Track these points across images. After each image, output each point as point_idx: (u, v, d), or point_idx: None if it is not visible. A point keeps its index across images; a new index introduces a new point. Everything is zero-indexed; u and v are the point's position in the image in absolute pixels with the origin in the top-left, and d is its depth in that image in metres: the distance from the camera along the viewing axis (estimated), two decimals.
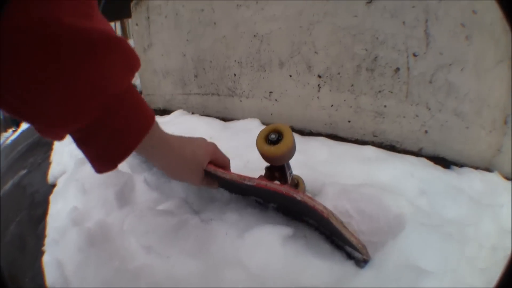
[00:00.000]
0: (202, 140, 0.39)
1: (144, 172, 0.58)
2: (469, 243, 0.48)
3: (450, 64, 0.68)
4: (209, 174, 0.39)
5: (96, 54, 0.15)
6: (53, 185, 0.79)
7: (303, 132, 0.69)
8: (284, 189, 0.32)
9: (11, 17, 0.13)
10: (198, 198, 0.53)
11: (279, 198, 0.39)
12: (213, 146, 0.39)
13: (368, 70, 0.64)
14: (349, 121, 0.66)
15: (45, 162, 1.03)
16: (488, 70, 0.72)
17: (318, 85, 0.66)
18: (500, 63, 0.74)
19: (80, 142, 0.21)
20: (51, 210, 0.61)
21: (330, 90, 0.65)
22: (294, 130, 0.70)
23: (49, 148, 1.16)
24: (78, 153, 0.79)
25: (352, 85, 0.64)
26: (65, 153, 0.84)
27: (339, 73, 0.65)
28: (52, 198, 0.64)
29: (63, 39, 0.14)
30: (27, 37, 0.13)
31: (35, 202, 0.82)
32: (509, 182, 0.70)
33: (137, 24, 0.95)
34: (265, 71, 0.69)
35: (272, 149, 0.37)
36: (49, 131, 0.19)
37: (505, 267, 0.22)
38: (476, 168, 0.69)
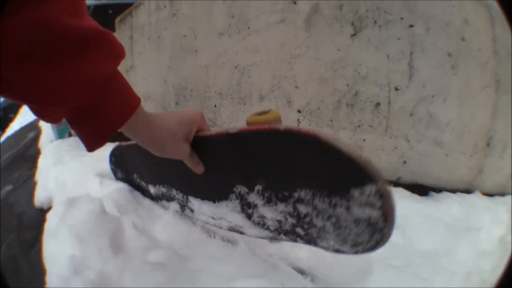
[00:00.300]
0: (189, 109, 0.39)
1: (131, 214, 0.61)
2: (440, 273, 0.52)
3: (432, 96, 0.68)
4: (197, 146, 0.38)
5: (88, 46, 0.19)
6: (40, 209, 0.83)
7: None
8: (268, 126, 0.31)
9: (12, 18, 0.16)
10: (184, 241, 0.57)
11: (265, 160, 0.33)
12: (200, 113, 0.38)
13: (348, 106, 0.65)
14: None
15: (30, 180, 1.03)
16: (473, 96, 0.73)
17: (298, 119, 0.67)
18: (485, 88, 0.75)
19: (74, 121, 0.24)
20: (46, 251, 0.63)
21: (309, 125, 0.66)
22: None
23: (33, 164, 1.16)
24: (64, 180, 0.81)
25: (331, 120, 0.66)
26: (50, 178, 0.84)
27: (319, 108, 0.65)
28: (45, 238, 0.67)
29: (59, 36, 0.17)
30: (28, 36, 0.16)
31: (23, 224, 0.84)
32: (489, 201, 0.73)
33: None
34: (245, 104, 0.70)
35: (261, 117, 0.37)
36: (48, 111, 0.22)
37: (505, 267, 0.22)
38: (456, 191, 0.73)
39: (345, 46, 0.64)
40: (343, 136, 0.66)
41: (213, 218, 0.48)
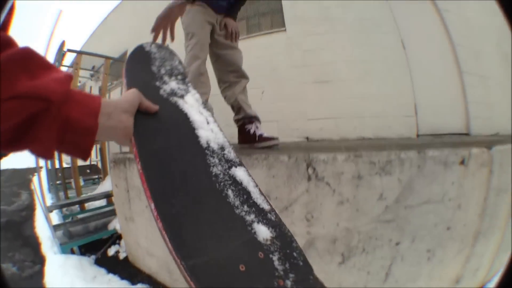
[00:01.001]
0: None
1: None
2: None
3: None
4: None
5: (50, 68, 0.28)
6: None
7: None
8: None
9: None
10: None
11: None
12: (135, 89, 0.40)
13: None
14: None
15: (38, 279, 1.05)
16: (445, 268, 0.83)
17: None
18: (459, 253, 0.84)
19: (60, 142, 0.28)
20: None
21: None
22: None
23: (35, 255, 1.24)
24: None
25: None
26: None
27: None
28: None
29: (39, 58, 0.27)
30: (19, 60, 0.26)
31: None
32: None
33: (116, 186, 0.89)
34: None
35: None
36: (38, 132, 0.26)
37: (505, 267, 0.22)
38: None
39: (332, 272, 0.71)
40: None
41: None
